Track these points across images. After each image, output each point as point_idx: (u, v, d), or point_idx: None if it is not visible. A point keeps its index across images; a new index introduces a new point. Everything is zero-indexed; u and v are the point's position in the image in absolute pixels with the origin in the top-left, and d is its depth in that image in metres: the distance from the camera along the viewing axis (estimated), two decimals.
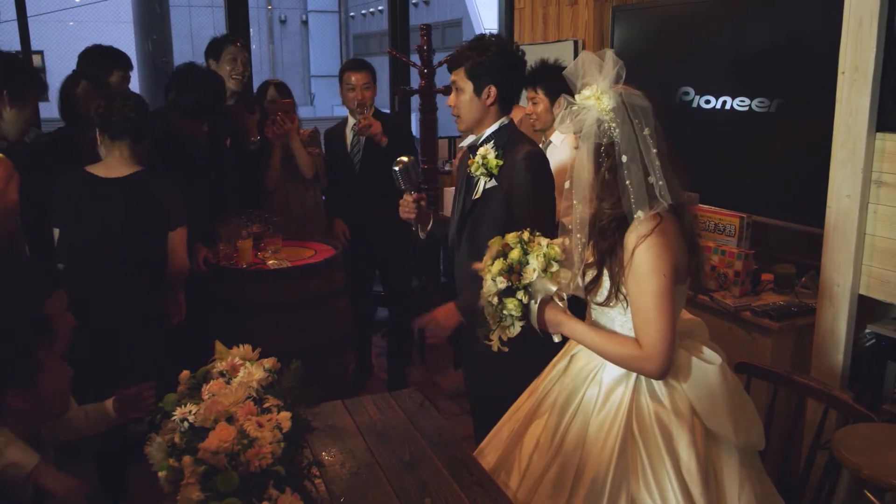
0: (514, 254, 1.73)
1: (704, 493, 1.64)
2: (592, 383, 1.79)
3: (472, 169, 2.28)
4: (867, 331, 2.57)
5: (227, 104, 3.49)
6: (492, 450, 1.96)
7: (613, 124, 1.66)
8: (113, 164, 2.57)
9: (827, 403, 2.05)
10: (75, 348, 2.45)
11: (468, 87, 2.24)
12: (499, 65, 2.23)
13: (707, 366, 1.72)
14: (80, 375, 2.08)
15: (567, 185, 1.75)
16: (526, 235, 1.77)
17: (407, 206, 2.42)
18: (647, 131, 1.65)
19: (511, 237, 1.78)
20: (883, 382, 2.55)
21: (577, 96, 1.71)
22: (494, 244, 1.80)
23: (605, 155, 1.68)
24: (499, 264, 1.74)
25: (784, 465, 2.14)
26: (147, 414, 2.04)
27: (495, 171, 2.23)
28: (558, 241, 1.76)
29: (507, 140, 2.27)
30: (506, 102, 2.29)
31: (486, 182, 2.27)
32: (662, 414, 1.70)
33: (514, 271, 1.72)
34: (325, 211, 3.79)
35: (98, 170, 2.57)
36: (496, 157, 2.23)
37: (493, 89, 2.23)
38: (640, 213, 1.64)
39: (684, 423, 1.69)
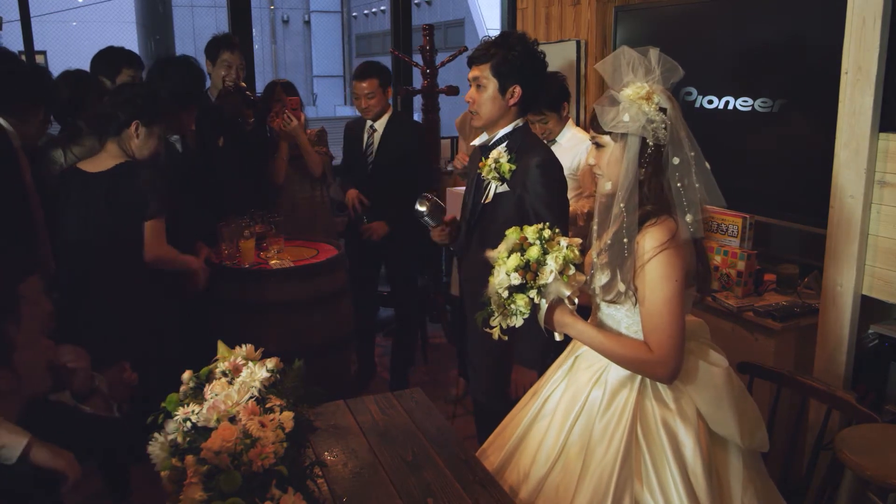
0: (533, 252, 1.68)
1: (709, 496, 1.64)
2: (597, 385, 1.78)
3: (484, 172, 2.24)
4: (870, 331, 2.57)
5: (219, 103, 3.50)
6: (494, 450, 1.95)
7: (663, 125, 1.63)
8: (101, 159, 2.59)
9: (830, 404, 2.04)
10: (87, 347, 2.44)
11: (492, 84, 2.19)
12: (526, 65, 2.19)
13: (713, 368, 1.71)
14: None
15: (608, 186, 1.71)
16: (547, 233, 1.71)
17: (440, 236, 2.41)
18: (686, 132, 1.65)
19: (531, 231, 1.72)
20: (886, 383, 2.54)
21: (621, 93, 1.66)
22: (512, 235, 1.74)
23: (649, 157, 1.65)
24: (515, 259, 1.68)
25: (787, 466, 2.14)
26: (127, 396, 2.04)
27: (508, 176, 2.20)
28: (577, 241, 1.73)
29: (520, 143, 2.23)
30: (526, 104, 2.25)
31: (497, 186, 2.23)
32: (668, 417, 1.69)
33: (530, 269, 1.67)
34: (339, 187, 3.80)
35: (87, 165, 2.60)
36: (509, 161, 2.19)
37: (518, 89, 2.19)
38: (689, 217, 1.63)
39: (690, 426, 1.68)
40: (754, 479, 1.74)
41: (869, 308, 2.50)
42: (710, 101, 3.32)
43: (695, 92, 3.39)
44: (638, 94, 1.64)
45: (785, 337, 2.64)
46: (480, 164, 2.26)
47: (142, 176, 2.58)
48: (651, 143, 1.64)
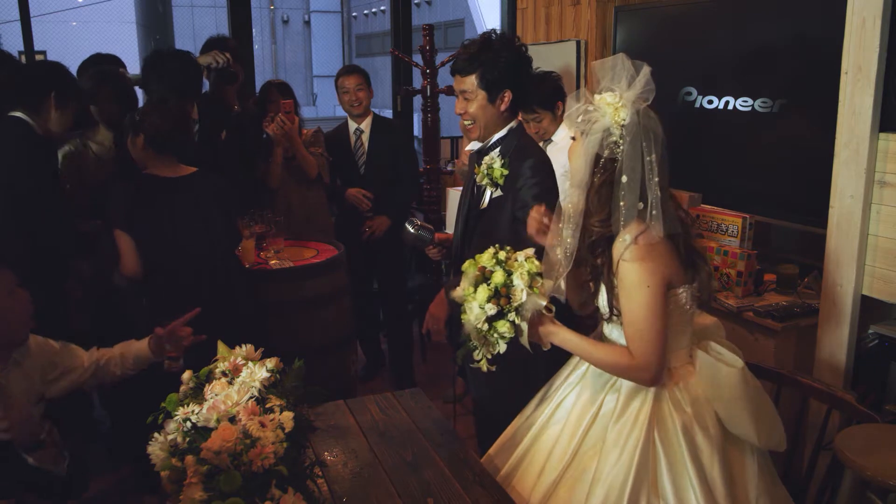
0: (498, 277, 1.66)
1: (727, 500, 1.63)
2: (612, 390, 1.77)
3: (478, 178, 2.24)
4: (870, 331, 2.57)
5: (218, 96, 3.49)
6: (504, 454, 1.94)
7: (621, 140, 1.62)
8: (166, 164, 2.61)
9: (830, 404, 2.04)
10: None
11: (481, 94, 2.16)
12: (512, 69, 2.16)
13: (729, 369, 1.70)
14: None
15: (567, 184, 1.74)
16: (502, 254, 1.70)
17: (434, 255, 2.53)
18: (652, 157, 1.62)
19: (486, 258, 1.70)
20: (886, 383, 2.54)
21: (596, 96, 1.66)
22: (469, 269, 1.72)
23: (602, 168, 1.65)
24: (484, 291, 1.66)
25: (787, 466, 2.14)
26: (182, 351, 2.11)
27: (500, 182, 2.19)
28: (530, 251, 1.72)
29: (514, 146, 2.22)
30: (517, 105, 2.24)
31: (492, 192, 2.23)
32: (686, 422, 1.69)
33: (501, 295, 1.66)
34: (336, 198, 3.80)
35: (160, 171, 2.61)
36: (502, 165, 2.18)
37: (508, 94, 2.18)
38: (626, 237, 1.62)
39: (707, 430, 1.68)
40: (767, 483, 1.74)
41: (869, 308, 2.50)
42: (710, 101, 3.32)
43: (695, 92, 3.39)
44: (609, 102, 1.63)
45: (785, 337, 2.64)
46: (476, 171, 2.26)
47: (219, 181, 2.72)
48: (605, 154, 1.64)
